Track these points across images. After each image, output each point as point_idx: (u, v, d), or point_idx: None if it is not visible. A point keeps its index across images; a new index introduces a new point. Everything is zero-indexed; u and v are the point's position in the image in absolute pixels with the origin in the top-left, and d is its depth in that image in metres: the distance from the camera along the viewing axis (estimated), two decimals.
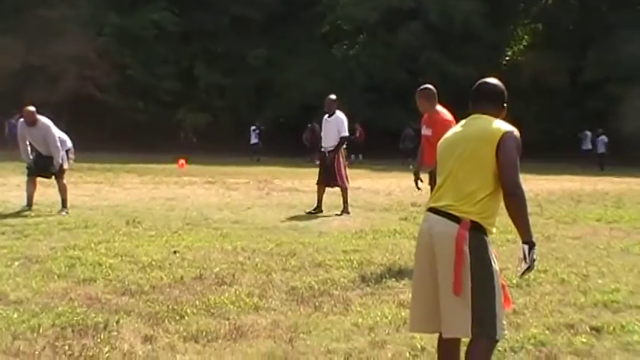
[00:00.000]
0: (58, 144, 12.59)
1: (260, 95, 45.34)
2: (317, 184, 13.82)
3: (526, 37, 49.89)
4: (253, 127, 38.01)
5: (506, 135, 4.09)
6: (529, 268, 4.12)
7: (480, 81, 4.45)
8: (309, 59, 43.81)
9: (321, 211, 13.41)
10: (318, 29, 45.84)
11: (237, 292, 6.71)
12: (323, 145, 13.84)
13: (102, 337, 5.33)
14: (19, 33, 40.87)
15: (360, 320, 5.97)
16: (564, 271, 8.07)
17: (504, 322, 4.18)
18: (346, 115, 14.26)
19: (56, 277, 7.02)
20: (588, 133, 37.83)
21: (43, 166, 12.59)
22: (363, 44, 46.69)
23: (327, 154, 13.59)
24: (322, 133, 14.10)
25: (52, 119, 12.89)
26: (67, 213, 11.97)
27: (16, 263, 7.52)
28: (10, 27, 40.40)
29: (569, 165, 32.48)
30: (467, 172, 4.12)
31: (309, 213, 13.26)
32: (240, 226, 11.11)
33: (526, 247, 4.08)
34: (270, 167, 28.03)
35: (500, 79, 4.49)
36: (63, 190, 12.53)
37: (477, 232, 4.05)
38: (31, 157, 12.79)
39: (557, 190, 19.65)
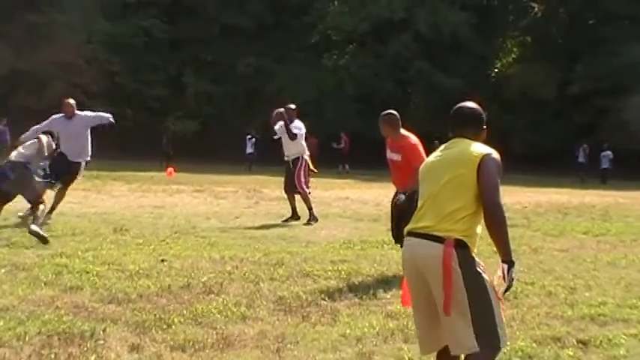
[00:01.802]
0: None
1: (249, 103, 45.30)
2: (285, 192, 13.93)
3: (515, 49, 50.16)
4: (249, 136, 37.69)
5: (486, 157, 4.15)
6: (508, 287, 4.18)
7: (457, 105, 4.51)
8: (299, 68, 43.89)
9: (298, 218, 13.46)
10: (308, 39, 45.98)
11: (225, 302, 6.70)
12: (286, 154, 13.90)
13: (88, 345, 5.31)
14: (7, 38, 40.78)
15: (347, 331, 5.96)
16: (551, 283, 8.08)
17: (506, 330, 4.22)
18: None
19: (43, 284, 6.98)
20: (586, 146, 37.75)
21: (61, 172, 12.11)
22: (352, 54, 46.80)
23: (290, 163, 13.68)
24: (283, 142, 14.05)
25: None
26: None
27: (2, 270, 7.49)
28: None
29: (556, 177, 32.52)
30: (448, 193, 4.15)
31: (285, 221, 13.30)
32: (229, 235, 11.09)
33: (505, 266, 4.13)
34: (258, 176, 28.00)
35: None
36: (61, 199, 12.38)
37: (462, 248, 4.07)
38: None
39: (544, 202, 19.67)
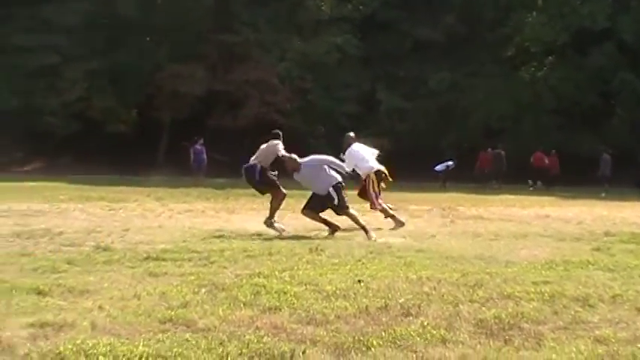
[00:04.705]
0: None
1: (442, 119, 44.97)
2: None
3: None
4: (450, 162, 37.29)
5: None
6: None
7: None
8: (494, 82, 43.11)
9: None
10: (504, 51, 45.08)
11: (424, 324, 6.48)
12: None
13: None
14: (203, 59, 42.51)
15: (553, 356, 5.62)
16: None
17: None
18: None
19: (242, 305, 7.02)
20: None
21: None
22: (551, 66, 45.30)
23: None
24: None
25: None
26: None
27: (203, 290, 7.60)
28: (193, 53, 42.02)
29: None
30: None
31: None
32: (425, 255, 10.88)
33: None
34: (453, 193, 27.67)
35: None
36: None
37: None
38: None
39: None
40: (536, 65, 45.93)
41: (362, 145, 15.97)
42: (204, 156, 33.19)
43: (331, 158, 14.14)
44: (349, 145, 15.80)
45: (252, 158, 14.37)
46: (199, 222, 14.73)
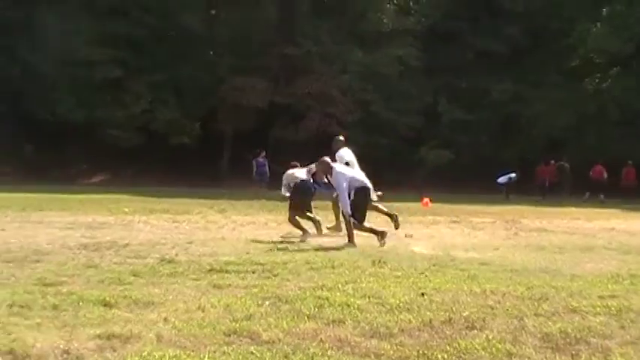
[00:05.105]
0: None
1: (504, 131, 44.61)
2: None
3: None
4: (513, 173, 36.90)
5: None
6: None
7: None
8: (557, 93, 42.60)
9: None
10: (567, 62, 44.54)
11: (489, 338, 6.43)
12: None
13: None
14: (266, 72, 42.76)
15: None
16: None
17: None
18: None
19: (306, 317, 7.04)
20: None
21: None
22: (616, 77, 44.58)
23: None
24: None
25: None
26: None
27: (267, 302, 7.64)
28: (256, 66, 42.32)
29: None
30: None
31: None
32: (489, 268, 10.79)
33: None
34: (516, 206, 27.41)
35: None
36: None
37: None
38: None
39: None
40: (600, 76, 45.25)
41: (349, 151, 15.96)
42: (267, 168, 33.44)
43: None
44: (338, 148, 15.86)
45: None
46: (262, 234, 14.81)
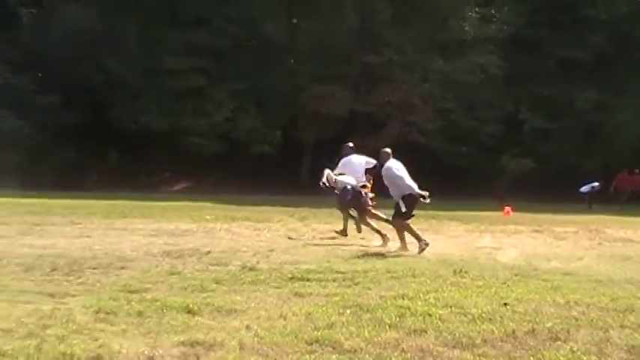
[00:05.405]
0: None
1: (587, 139, 43.84)
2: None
3: None
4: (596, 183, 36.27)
5: None
6: None
7: None
8: None
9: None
10: None
11: (573, 349, 6.37)
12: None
13: None
14: (347, 80, 42.75)
15: None
16: None
17: None
18: None
19: (387, 326, 7.05)
20: None
21: None
22: None
23: None
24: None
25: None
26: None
27: (348, 311, 7.67)
28: (337, 75, 42.35)
29: None
30: None
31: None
32: (572, 279, 10.63)
33: None
34: (600, 215, 26.92)
35: None
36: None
37: None
38: None
39: None
40: None
41: (349, 158, 16.67)
42: None
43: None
44: (346, 154, 16.66)
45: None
46: (342, 242, 14.85)
